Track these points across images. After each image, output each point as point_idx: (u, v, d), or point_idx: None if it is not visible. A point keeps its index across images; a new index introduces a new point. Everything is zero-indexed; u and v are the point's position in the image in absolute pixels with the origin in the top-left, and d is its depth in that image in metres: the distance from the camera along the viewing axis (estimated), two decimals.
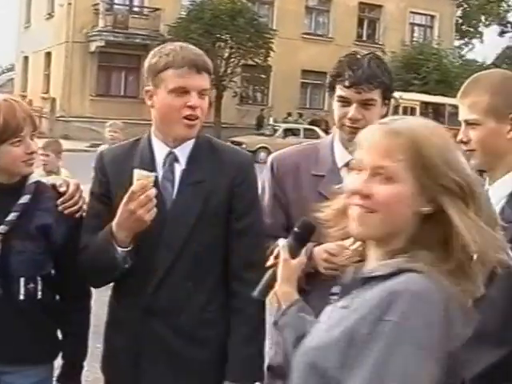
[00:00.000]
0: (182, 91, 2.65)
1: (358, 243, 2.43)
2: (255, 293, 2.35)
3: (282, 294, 2.29)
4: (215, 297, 2.85)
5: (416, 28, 43.62)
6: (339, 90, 2.92)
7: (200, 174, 2.77)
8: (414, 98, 30.75)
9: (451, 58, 39.62)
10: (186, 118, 2.67)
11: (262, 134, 30.77)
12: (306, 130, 31.26)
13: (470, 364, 2.02)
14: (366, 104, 2.91)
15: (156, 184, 2.59)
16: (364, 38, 40.91)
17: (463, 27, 52.57)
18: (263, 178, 3.13)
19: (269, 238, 2.95)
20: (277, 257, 2.34)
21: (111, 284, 2.92)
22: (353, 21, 40.32)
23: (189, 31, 30.88)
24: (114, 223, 2.60)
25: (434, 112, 31.28)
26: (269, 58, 33.38)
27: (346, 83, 2.88)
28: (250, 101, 37.79)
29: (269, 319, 2.90)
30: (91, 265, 2.71)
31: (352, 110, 2.89)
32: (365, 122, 2.85)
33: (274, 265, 2.31)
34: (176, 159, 2.78)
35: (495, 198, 2.51)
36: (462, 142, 2.61)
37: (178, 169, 2.76)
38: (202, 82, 2.69)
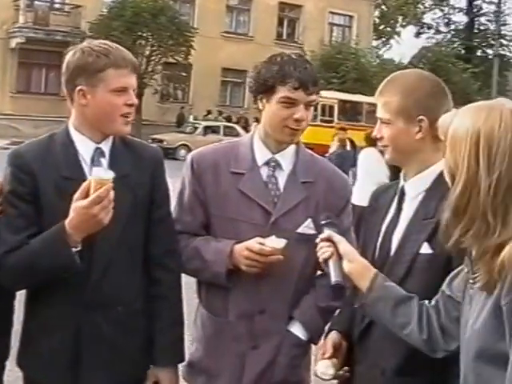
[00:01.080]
0: (123, 90, 2.72)
1: (283, 243, 2.82)
2: (335, 279, 2.45)
3: (355, 272, 2.43)
4: (142, 286, 2.91)
5: (335, 28, 44.09)
6: (284, 92, 2.89)
7: (125, 168, 2.80)
8: (333, 96, 30.89)
9: (369, 57, 40.35)
10: (124, 115, 2.76)
11: (183, 132, 30.85)
12: (225, 127, 31.55)
13: None
14: (309, 105, 2.94)
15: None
16: (284, 37, 41.31)
17: (381, 27, 53.13)
18: (183, 176, 3.14)
19: (188, 235, 3.07)
20: (328, 241, 2.53)
21: None
22: (273, 20, 40.63)
23: (110, 28, 30.76)
24: (68, 224, 2.57)
25: (352, 110, 32.03)
26: (189, 56, 33.59)
27: (296, 84, 2.87)
28: (171, 98, 37.80)
29: (187, 317, 3.11)
30: (30, 266, 2.63)
31: (300, 111, 2.89)
32: (305, 123, 2.95)
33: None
34: (103, 154, 2.81)
35: (412, 193, 2.68)
36: (376, 138, 2.74)
37: (105, 163, 2.80)
38: (135, 81, 2.79)
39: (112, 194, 2.55)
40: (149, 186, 2.89)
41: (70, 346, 2.77)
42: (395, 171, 8.83)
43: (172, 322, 2.95)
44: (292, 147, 3.05)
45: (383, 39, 55.68)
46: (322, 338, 3.00)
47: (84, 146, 2.79)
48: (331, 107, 30.90)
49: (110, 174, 2.57)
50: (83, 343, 2.77)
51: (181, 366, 3.07)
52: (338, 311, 3.01)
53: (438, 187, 2.50)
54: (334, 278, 2.45)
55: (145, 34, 32.29)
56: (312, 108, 2.99)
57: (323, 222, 2.67)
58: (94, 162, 2.78)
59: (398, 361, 2.54)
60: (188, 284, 3.28)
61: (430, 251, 2.50)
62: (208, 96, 37.06)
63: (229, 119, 35.38)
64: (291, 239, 2.88)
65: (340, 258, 2.47)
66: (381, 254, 2.70)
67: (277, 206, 2.96)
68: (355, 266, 2.45)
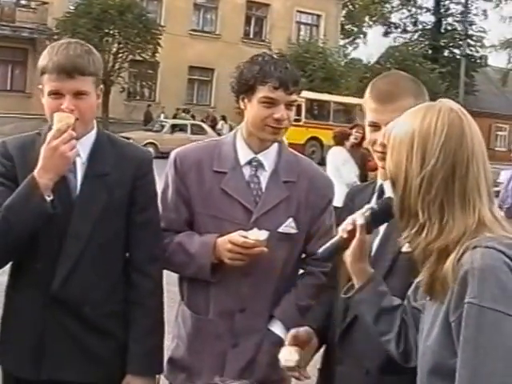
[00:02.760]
0: (57, 94, 2.74)
1: (265, 234, 2.83)
2: (320, 250, 2.41)
3: (356, 271, 2.39)
4: (118, 289, 2.92)
5: (302, 27, 44.49)
6: (265, 91, 2.93)
7: (103, 167, 2.84)
8: (300, 95, 31.52)
9: (336, 56, 40.75)
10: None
11: (150, 130, 30.67)
12: (193, 125, 31.46)
13: None
14: (290, 105, 2.99)
15: None
16: (251, 36, 41.76)
17: (348, 27, 54.00)
18: (166, 174, 3.15)
19: (172, 231, 3.10)
20: (350, 231, 2.36)
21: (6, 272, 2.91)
22: (240, 18, 41.00)
23: (77, 26, 30.81)
24: (36, 171, 2.61)
25: (320, 109, 32.21)
26: (156, 54, 33.64)
27: (276, 84, 2.91)
28: (138, 96, 37.92)
29: (169, 312, 3.14)
30: (5, 220, 2.63)
31: (281, 111, 2.94)
32: (287, 122, 3.00)
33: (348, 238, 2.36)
34: (77, 152, 2.75)
35: (391, 192, 2.62)
36: (384, 145, 2.69)
37: (79, 162, 2.82)
38: (74, 85, 2.72)
39: (73, 133, 2.62)
40: (129, 186, 2.90)
41: (34, 335, 2.81)
42: (363, 170, 9.73)
43: (148, 330, 2.94)
44: (274, 147, 3.11)
45: (350, 39, 56.48)
46: None
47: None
48: (299, 106, 30.33)
49: (70, 116, 2.67)
50: (46, 335, 2.80)
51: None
52: (311, 308, 3.03)
53: None
54: (321, 249, 2.42)
55: (112, 32, 32.36)
56: (294, 108, 3.03)
57: (374, 207, 2.43)
58: None
59: (383, 359, 2.50)
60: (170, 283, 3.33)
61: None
62: (175, 94, 37.26)
63: (192, 118, 35.41)
64: (273, 238, 2.92)
65: (347, 244, 2.39)
66: None
67: (258, 204, 3.01)
68: (359, 266, 2.40)
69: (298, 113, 30.89)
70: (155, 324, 2.98)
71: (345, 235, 2.39)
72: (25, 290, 2.84)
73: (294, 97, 2.99)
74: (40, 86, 2.80)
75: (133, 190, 2.91)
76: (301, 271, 3.17)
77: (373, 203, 2.56)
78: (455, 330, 1.85)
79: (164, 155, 6.19)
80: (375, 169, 10.45)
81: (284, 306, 3.09)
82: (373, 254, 2.64)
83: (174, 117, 34.88)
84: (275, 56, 3.06)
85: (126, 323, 2.93)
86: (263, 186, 3.06)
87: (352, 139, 11.89)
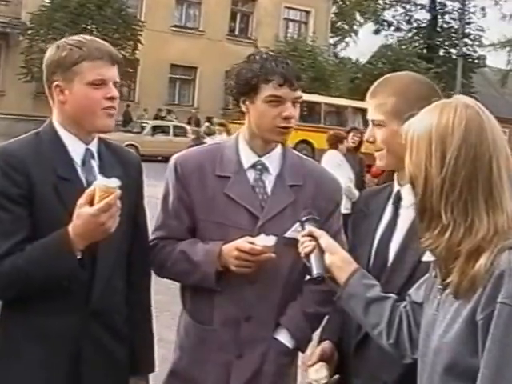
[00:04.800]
0: (100, 83, 2.75)
1: (273, 240, 2.88)
2: (316, 271, 2.53)
3: (336, 265, 2.49)
4: (125, 291, 3.01)
5: (290, 23, 44.45)
6: (270, 90, 2.95)
7: (115, 171, 2.82)
8: None
9: (326, 55, 40.74)
10: (105, 109, 2.78)
11: (130, 132, 30.44)
12: (175, 127, 31.60)
13: None
14: (296, 102, 3.01)
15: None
16: (236, 33, 41.71)
17: (338, 24, 53.81)
18: (167, 180, 3.17)
19: (174, 240, 3.14)
20: (309, 236, 2.60)
21: None
22: (225, 14, 40.90)
23: (52, 20, 30.77)
24: (72, 232, 2.58)
25: (310, 111, 31.25)
26: (136, 51, 33.53)
27: (281, 81, 2.93)
28: None
29: (172, 322, 3.26)
30: (26, 273, 2.61)
31: (289, 109, 2.96)
32: (295, 121, 3.01)
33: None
34: (93, 156, 2.85)
35: (410, 198, 2.56)
36: (368, 141, 2.79)
37: (95, 165, 2.86)
38: (116, 73, 2.82)
39: (119, 202, 2.60)
40: (135, 190, 3.00)
41: (67, 359, 2.78)
42: (361, 175, 9.91)
43: (149, 330, 3.13)
44: (278, 149, 3.14)
45: (340, 37, 56.35)
46: (311, 345, 3.10)
47: (74, 146, 2.82)
48: None
49: (116, 183, 2.60)
50: (82, 357, 2.79)
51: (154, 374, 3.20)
52: (327, 319, 3.07)
53: None
54: (315, 270, 2.53)
55: (89, 27, 31.97)
56: (299, 105, 3.06)
57: (304, 219, 2.74)
58: (85, 164, 2.82)
59: (400, 371, 2.51)
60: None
61: (432, 259, 2.41)
62: (156, 94, 37.13)
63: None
64: (279, 244, 2.94)
65: (322, 252, 2.56)
66: (377, 263, 2.73)
67: (264, 210, 3.04)
68: (336, 258, 2.52)
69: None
70: (151, 322, 3.16)
71: (311, 246, 2.56)
72: (50, 308, 2.76)
73: (299, 93, 3.02)
74: (58, 83, 2.77)
75: (136, 193, 3.03)
76: (307, 277, 3.15)
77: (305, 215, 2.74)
78: (481, 330, 1.91)
79: (145, 158, 6.10)
80: (379, 174, 10.61)
81: (290, 314, 3.11)
82: (390, 263, 2.68)
83: (155, 118, 34.78)
84: (272, 53, 3.11)
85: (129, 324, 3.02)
86: (269, 190, 3.09)
87: (350, 143, 12.06)
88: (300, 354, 3.23)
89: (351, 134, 12.37)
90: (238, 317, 3.05)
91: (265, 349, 3.06)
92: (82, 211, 2.57)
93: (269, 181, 3.11)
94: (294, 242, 2.89)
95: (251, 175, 3.11)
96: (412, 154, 2.05)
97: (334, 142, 11.69)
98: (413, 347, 2.30)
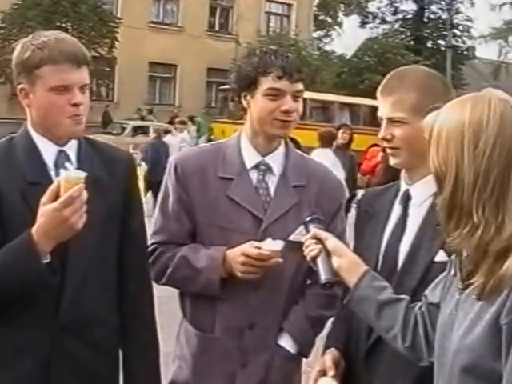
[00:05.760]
0: (64, 88, 2.63)
1: (280, 245, 2.88)
2: (325, 277, 2.49)
3: (344, 268, 2.48)
4: (115, 301, 2.88)
5: (272, 17, 44.15)
6: (269, 82, 2.95)
7: (95, 173, 2.73)
8: None
9: (310, 49, 40.76)
10: (71, 116, 2.66)
11: (110, 133, 29.88)
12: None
13: None
14: (297, 96, 3.00)
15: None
16: (216, 28, 41.49)
17: (321, 17, 53.58)
18: (166, 182, 3.16)
19: (174, 244, 3.11)
20: (315, 238, 2.58)
21: None
22: (204, 9, 40.62)
23: (25, 19, 30.46)
24: (35, 232, 2.48)
25: None
26: (114, 49, 33.32)
27: (280, 73, 2.94)
28: (94, 96, 35.73)
29: (170, 330, 3.18)
30: (1, 281, 2.53)
31: (288, 102, 2.96)
32: (296, 115, 3.01)
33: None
34: (68, 158, 2.75)
35: (419, 197, 2.70)
36: (384, 139, 2.73)
37: (71, 168, 2.66)
38: (83, 76, 2.68)
39: (85, 194, 2.49)
40: (122, 189, 2.88)
41: (37, 376, 2.68)
42: (353, 173, 9.83)
43: (145, 343, 2.95)
44: (281, 149, 3.13)
45: (324, 30, 56.13)
46: (316, 352, 3.07)
47: (46, 149, 2.74)
48: None
49: (82, 173, 2.51)
50: (52, 373, 2.69)
51: None
52: (331, 325, 3.04)
53: None
54: (323, 276, 2.50)
55: (64, 25, 31.63)
56: (301, 100, 3.05)
57: (308, 219, 2.72)
58: (58, 166, 2.69)
59: (415, 376, 2.51)
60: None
61: (446, 258, 2.44)
62: (135, 93, 36.84)
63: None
64: (283, 247, 2.94)
65: (329, 254, 2.54)
66: (386, 265, 2.71)
67: (267, 212, 3.03)
68: (345, 261, 2.50)
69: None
70: (152, 337, 2.99)
71: (317, 250, 2.53)
72: (19, 320, 2.66)
73: (299, 86, 3.02)
74: (22, 86, 2.69)
75: (125, 194, 2.90)
76: (309, 281, 3.18)
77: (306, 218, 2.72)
78: (506, 334, 1.89)
79: None
80: (368, 172, 10.54)
81: (292, 318, 3.11)
82: (400, 265, 2.67)
83: (146, 116, 34.66)
84: (274, 47, 3.14)
85: (120, 336, 2.91)
86: (272, 191, 3.08)
87: (340, 140, 11.97)
88: (304, 360, 3.22)
89: (341, 131, 12.36)
90: (242, 324, 3.03)
91: (269, 356, 3.05)
92: (45, 208, 2.48)
93: (272, 181, 3.09)
94: (298, 245, 2.86)
95: (254, 176, 3.10)
96: (439, 150, 2.01)
97: (328, 140, 11.62)
98: (429, 350, 2.28)
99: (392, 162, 2.77)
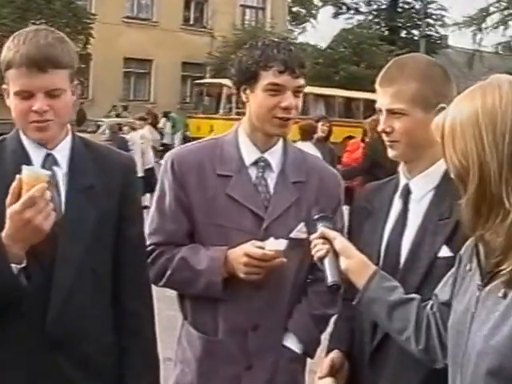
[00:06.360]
0: (26, 93, 2.52)
1: (284, 244, 2.82)
2: (332, 279, 2.42)
3: (353, 269, 2.42)
4: (110, 317, 2.74)
5: (247, 10, 44.16)
6: (270, 77, 2.88)
7: (88, 179, 2.65)
8: None
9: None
10: (33, 122, 2.55)
11: (85, 131, 28.70)
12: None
13: None
14: (297, 91, 2.93)
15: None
16: (191, 22, 41.37)
17: (295, 9, 53.61)
18: (162, 180, 3.07)
19: (172, 245, 3.03)
20: (322, 238, 2.51)
21: None
22: (179, 3, 40.46)
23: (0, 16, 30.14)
24: (4, 235, 2.38)
25: None
26: (88, 46, 32.95)
27: (281, 67, 2.86)
28: None
29: (170, 334, 3.12)
30: None
31: (288, 98, 2.89)
32: (296, 112, 2.95)
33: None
34: (56, 162, 2.63)
35: (420, 191, 2.65)
36: (384, 132, 2.66)
37: (60, 173, 2.62)
38: (48, 81, 2.51)
39: (48, 194, 2.37)
40: (117, 197, 2.72)
41: None
42: (333, 166, 9.72)
43: (143, 363, 2.79)
44: (280, 144, 3.07)
45: (298, 22, 56.09)
46: (321, 353, 3.01)
47: (35, 152, 2.64)
48: None
49: (43, 172, 2.41)
50: None
51: None
52: (334, 326, 2.99)
53: (448, 183, 2.45)
54: (330, 278, 2.44)
55: (38, 22, 30.59)
56: (301, 95, 2.99)
57: (316, 217, 2.63)
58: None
59: (422, 378, 2.47)
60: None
61: (450, 254, 2.43)
62: (110, 90, 36.58)
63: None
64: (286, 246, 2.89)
65: (336, 255, 2.47)
66: (388, 262, 2.64)
67: (268, 210, 2.97)
68: (353, 262, 2.44)
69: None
70: (154, 356, 2.84)
71: (324, 250, 2.47)
72: (9, 335, 2.55)
73: (301, 81, 2.95)
74: (4, 86, 2.60)
75: (121, 202, 2.73)
76: (309, 277, 3.12)
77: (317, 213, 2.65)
78: None
79: None
80: (347, 165, 10.58)
81: (297, 317, 3.06)
82: (403, 262, 2.62)
83: (109, 115, 34.36)
84: (277, 39, 3.07)
85: (118, 354, 2.76)
86: (271, 188, 3.02)
87: (320, 133, 11.96)
88: (309, 360, 3.18)
89: (320, 124, 12.28)
90: (245, 326, 2.98)
91: (275, 358, 3.01)
92: (9, 210, 2.37)
93: (271, 178, 3.04)
94: (299, 242, 2.86)
95: (253, 173, 3.04)
96: (456, 145, 1.96)
97: (309, 133, 11.60)
98: (444, 352, 2.23)
99: (391, 154, 2.70)
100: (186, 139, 33.23)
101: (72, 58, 2.61)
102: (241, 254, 2.87)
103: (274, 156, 3.05)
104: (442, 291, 2.29)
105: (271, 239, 2.87)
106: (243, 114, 3.10)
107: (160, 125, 34.02)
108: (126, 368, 2.75)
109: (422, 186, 2.65)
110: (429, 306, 2.34)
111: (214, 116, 31.44)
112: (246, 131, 3.06)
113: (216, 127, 30.41)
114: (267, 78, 2.90)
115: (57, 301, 2.55)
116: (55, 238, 2.51)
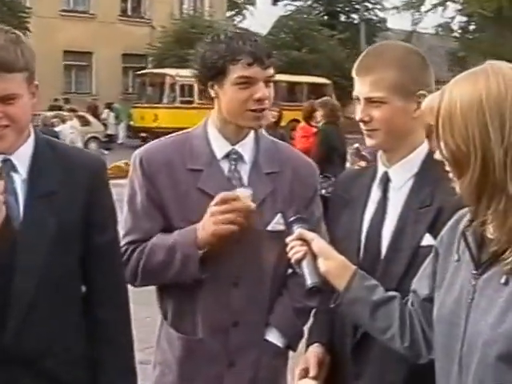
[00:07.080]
0: None
1: (248, 191, 2.76)
2: (311, 281, 2.37)
3: (332, 271, 2.38)
4: (80, 329, 2.64)
5: None
6: (239, 71, 2.81)
7: (49, 185, 2.53)
8: (191, 74, 31.03)
9: (227, 30, 41.17)
10: None
11: None
12: (75, 117, 29.90)
13: None
14: (268, 81, 2.88)
15: None
16: (129, 13, 41.50)
17: None
18: (131, 179, 3.01)
19: (146, 243, 2.93)
20: (299, 239, 2.45)
21: None
22: None
23: None
24: None
25: None
26: None
27: (250, 60, 2.80)
28: None
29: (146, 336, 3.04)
30: None
31: (261, 89, 2.83)
32: (269, 102, 2.90)
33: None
34: (14, 168, 2.52)
35: (399, 179, 2.62)
36: (362, 121, 2.61)
37: (18, 180, 2.51)
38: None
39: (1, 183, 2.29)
40: (82, 203, 2.59)
41: None
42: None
43: (120, 372, 2.69)
44: (251, 135, 3.01)
45: (237, 10, 56.76)
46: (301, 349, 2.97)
47: None
48: (190, 87, 29.99)
49: None
50: None
51: None
52: (313, 318, 2.96)
53: (428, 170, 2.52)
54: (309, 280, 2.39)
55: None
56: (272, 85, 2.93)
57: (292, 219, 2.58)
58: (3, 178, 2.41)
59: (408, 369, 2.44)
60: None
61: (433, 242, 2.33)
62: (51, 83, 35.16)
63: (72, 109, 34.94)
64: (262, 238, 2.88)
65: (314, 256, 2.42)
66: (369, 254, 2.61)
67: None
68: (332, 263, 2.39)
69: (191, 94, 30.53)
70: (130, 364, 2.74)
71: (303, 252, 2.41)
72: None
73: (270, 71, 2.89)
74: None
75: (88, 207, 2.60)
76: (290, 270, 3.04)
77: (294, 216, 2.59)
78: None
79: None
80: (305, 151, 10.51)
81: (278, 312, 3.00)
82: (384, 252, 2.59)
83: (51, 109, 33.97)
84: (239, 30, 3.01)
85: (92, 366, 2.65)
86: (245, 180, 2.96)
87: (270, 118, 11.92)
88: (291, 353, 3.12)
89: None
90: (225, 323, 2.92)
91: (257, 354, 2.95)
92: None
93: (244, 170, 2.98)
94: (277, 235, 2.80)
95: (225, 166, 2.97)
96: (455, 130, 1.90)
97: (274, 124, 11.58)
98: (428, 347, 2.22)
99: (369, 143, 2.65)
100: (130, 129, 33.39)
101: (28, 59, 2.48)
102: (208, 213, 2.80)
103: (246, 148, 2.99)
104: (420, 285, 2.26)
105: (237, 189, 2.83)
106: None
107: (104, 116, 34.04)
108: (101, 378, 2.65)
109: (401, 174, 2.62)
110: (409, 303, 2.31)
111: (157, 105, 31.47)
112: (216, 125, 3.00)
113: (161, 116, 30.63)
114: (236, 71, 2.83)
115: (16, 315, 2.45)
116: (13, 247, 2.43)
